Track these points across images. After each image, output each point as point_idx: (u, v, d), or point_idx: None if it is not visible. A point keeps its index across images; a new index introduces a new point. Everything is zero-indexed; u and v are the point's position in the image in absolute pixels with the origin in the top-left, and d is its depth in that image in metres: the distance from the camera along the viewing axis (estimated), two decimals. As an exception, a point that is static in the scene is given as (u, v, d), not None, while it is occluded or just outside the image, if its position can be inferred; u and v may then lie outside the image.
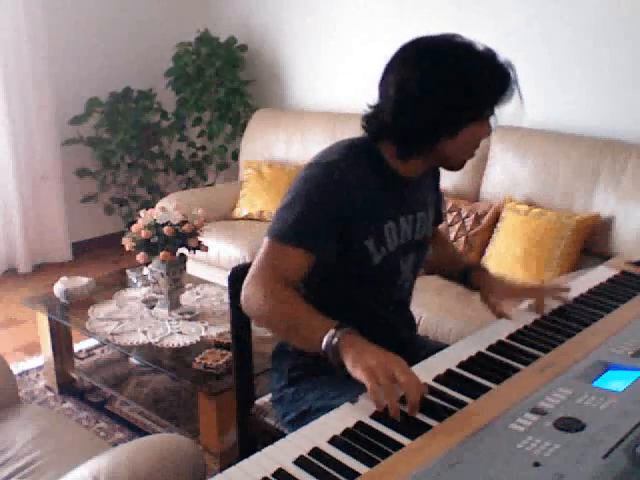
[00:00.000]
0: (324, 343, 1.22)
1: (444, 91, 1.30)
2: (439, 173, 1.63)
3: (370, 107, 1.41)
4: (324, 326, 1.24)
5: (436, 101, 1.30)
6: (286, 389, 1.53)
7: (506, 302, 1.54)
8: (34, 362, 2.99)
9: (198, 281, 2.86)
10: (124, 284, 2.86)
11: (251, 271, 1.35)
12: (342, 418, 1.10)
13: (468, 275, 1.63)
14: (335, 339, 1.20)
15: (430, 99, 1.30)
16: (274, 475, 0.96)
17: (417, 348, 1.60)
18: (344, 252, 1.40)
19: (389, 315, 1.54)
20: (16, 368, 2.86)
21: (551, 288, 1.56)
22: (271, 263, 1.33)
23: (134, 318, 2.54)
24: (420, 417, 1.09)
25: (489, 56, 1.33)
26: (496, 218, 2.87)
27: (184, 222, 2.48)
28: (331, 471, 0.97)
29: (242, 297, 1.35)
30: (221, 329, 2.42)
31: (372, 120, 1.41)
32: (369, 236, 1.40)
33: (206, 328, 2.46)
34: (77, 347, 2.97)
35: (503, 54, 1.36)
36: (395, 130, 1.37)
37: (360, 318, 1.48)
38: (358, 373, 1.14)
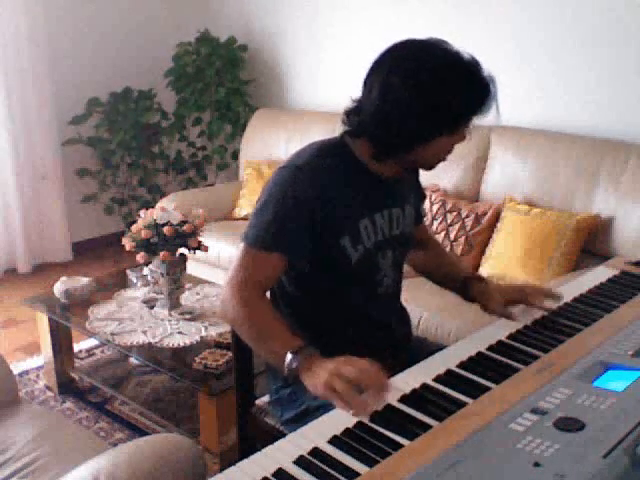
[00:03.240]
0: (285, 365, 1.24)
1: (424, 105, 1.31)
2: (418, 171, 1.63)
3: (353, 101, 1.43)
4: (287, 347, 1.26)
5: (416, 113, 1.31)
6: (282, 390, 1.54)
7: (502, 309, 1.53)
8: (34, 362, 2.98)
9: (198, 281, 2.86)
10: (124, 284, 2.86)
11: (227, 276, 1.38)
12: (342, 418, 1.10)
13: (467, 287, 1.62)
14: (294, 363, 1.23)
15: (410, 111, 1.31)
16: (274, 475, 0.96)
17: (414, 348, 1.61)
18: (323, 252, 1.42)
19: (377, 311, 1.54)
20: (16, 368, 2.86)
21: (538, 290, 1.54)
22: (244, 269, 1.36)
23: (134, 318, 2.54)
24: (420, 417, 1.09)
25: (472, 70, 1.33)
26: (496, 218, 2.87)
27: (184, 222, 2.48)
28: (331, 471, 0.97)
29: (219, 301, 1.39)
30: (221, 329, 2.42)
31: (353, 116, 1.42)
32: (344, 235, 1.42)
33: (206, 328, 2.46)
34: (77, 347, 2.97)
35: (486, 66, 1.35)
36: (373, 132, 1.38)
37: (349, 315, 1.50)
38: (320, 393, 1.17)
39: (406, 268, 1.65)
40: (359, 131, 1.42)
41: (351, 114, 1.43)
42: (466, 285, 1.62)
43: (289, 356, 1.24)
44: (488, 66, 1.36)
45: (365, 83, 1.39)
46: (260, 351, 1.37)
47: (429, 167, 1.46)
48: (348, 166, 1.43)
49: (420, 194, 1.70)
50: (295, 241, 1.37)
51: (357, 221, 1.43)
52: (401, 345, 1.58)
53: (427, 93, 1.30)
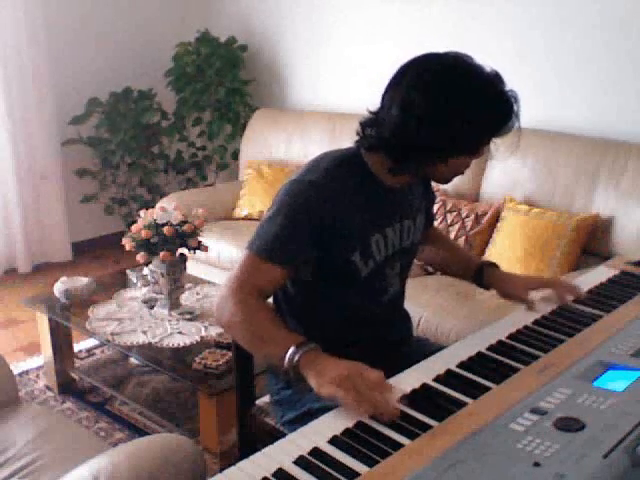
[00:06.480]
0: (285, 360, 1.22)
1: (446, 125, 1.29)
2: (430, 179, 1.63)
3: (370, 113, 1.40)
4: (287, 342, 1.24)
5: (437, 133, 1.30)
6: (284, 391, 1.54)
7: (525, 294, 1.56)
8: (34, 362, 2.98)
9: (198, 281, 2.86)
10: (124, 284, 2.86)
11: (227, 280, 1.37)
12: (342, 418, 1.10)
13: (482, 274, 1.64)
14: (296, 357, 1.21)
15: (431, 130, 1.29)
16: (274, 475, 0.96)
17: (414, 348, 1.61)
18: (331, 266, 1.41)
19: (380, 314, 1.54)
20: (16, 368, 2.86)
21: (567, 284, 1.57)
22: (247, 275, 1.35)
23: (134, 318, 2.54)
24: (420, 417, 1.09)
25: (495, 89, 1.31)
26: (496, 218, 2.87)
27: (184, 222, 2.48)
28: (331, 471, 0.97)
29: (215, 304, 1.37)
30: (221, 329, 2.42)
31: (369, 129, 1.40)
32: (355, 250, 1.41)
33: (206, 328, 2.46)
34: (77, 347, 2.96)
35: (508, 82, 1.34)
36: (391, 148, 1.36)
37: (352, 317, 1.49)
38: (325, 390, 1.14)
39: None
40: (376, 145, 1.39)
41: (367, 127, 1.40)
42: (481, 272, 1.64)
43: (291, 349, 1.22)
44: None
45: (384, 97, 1.36)
46: (257, 350, 1.36)
47: (446, 181, 1.46)
48: (362, 180, 1.42)
49: (430, 197, 1.70)
50: (299, 256, 1.37)
51: (369, 237, 1.43)
52: (398, 347, 1.59)
53: (449, 112, 1.28)
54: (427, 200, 1.65)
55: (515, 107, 1.33)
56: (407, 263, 1.59)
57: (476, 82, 1.30)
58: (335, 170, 1.40)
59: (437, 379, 1.21)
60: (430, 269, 2.76)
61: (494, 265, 1.67)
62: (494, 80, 1.31)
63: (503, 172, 2.99)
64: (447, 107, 1.28)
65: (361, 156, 1.43)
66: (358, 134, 1.42)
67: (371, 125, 1.39)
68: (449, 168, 1.39)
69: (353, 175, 1.41)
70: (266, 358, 1.34)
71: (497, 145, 1.41)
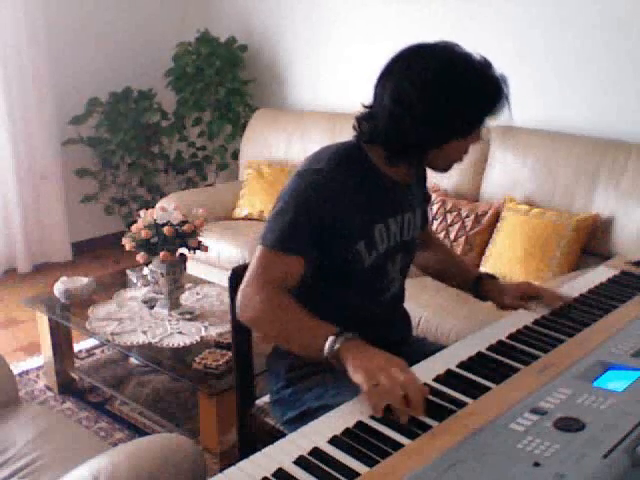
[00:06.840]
0: (325, 349, 1.23)
1: (437, 111, 1.31)
2: (426, 173, 1.65)
3: (364, 107, 1.43)
4: (324, 332, 1.25)
5: (429, 120, 1.32)
6: (283, 390, 1.54)
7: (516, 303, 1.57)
8: (34, 362, 2.98)
9: (198, 281, 2.86)
10: (124, 284, 2.86)
11: (246, 278, 1.38)
12: (342, 418, 1.10)
13: (479, 286, 1.65)
14: (336, 345, 1.22)
15: (423, 117, 1.32)
16: (274, 475, 0.96)
17: (414, 348, 1.61)
18: (336, 257, 1.42)
19: (381, 314, 1.55)
20: (16, 368, 2.86)
21: (556, 294, 1.57)
22: (265, 270, 1.36)
23: (134, 318, 2.54)
24: (420, 417, 1.09)
25: (484, 73, 1.33)
26: (496, 218, 2.87)
27: (184, 222, 2.48)
28: (331, 471, 0.97)
29: (237, 303, 1.38)
30: (221, 329, 2.42)
31: (365, 123, 1.42)
32: (360, 240, 1.42)
33: (206, 328, 2.46)
34: (77, 347, 2.96)
35: (497, 67, 1.36)
36: (386, 138, 1.38)
37: (352, 317, 1.50)
38: (357, 377, 1.16)
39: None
40: (373, 138, 1.41)
41: (363, 120, 1.42)
42: (478, 284, 1.65)
43: (331, 338, 1.23)
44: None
45: (376, 89, 1.38)
46: (291, 342, 1.36)
47: (444, 169, 1.47)
48: (364, 171, 1.43)
49: (426, 196, 1.70)
50: (312, 245, 1.37)
51: (372, 226, 1.44)
52: (399, 346, 1.59)
53: (439, 99, 1.30)
54: (424, 200, 1.67)
55: (505, 88, 1.35)
56: (407, 260, 1.59)
57: (465, 68, 1.32)
58: (338, 161, 1.41)
59: (437, 379, 1.22)
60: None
61: (492, 277, 1.68)
62: (482, 64, 1.34)
63: (503, 172, 2.99)
64: (437, 94, 1.30)
65: (362, 148, 1.44)
66: (355, 129, 1.44)
67: (366, 119, 1.41)
68: (446, 155, 1.41)
69: (354, 170, 1.42)
70: (301, 351, 1.34)
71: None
